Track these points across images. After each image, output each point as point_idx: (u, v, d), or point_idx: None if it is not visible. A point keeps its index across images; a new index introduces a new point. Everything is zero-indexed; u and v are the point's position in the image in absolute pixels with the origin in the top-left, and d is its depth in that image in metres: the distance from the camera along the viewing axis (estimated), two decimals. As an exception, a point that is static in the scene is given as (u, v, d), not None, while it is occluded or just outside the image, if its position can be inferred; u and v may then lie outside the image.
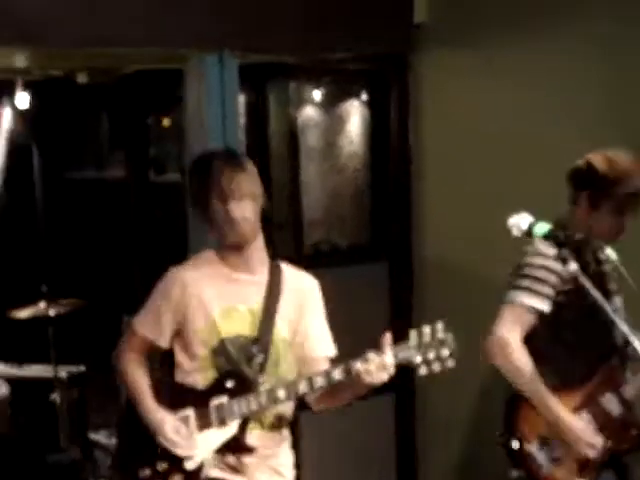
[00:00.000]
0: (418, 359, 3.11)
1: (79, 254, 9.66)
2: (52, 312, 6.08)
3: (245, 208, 3.36)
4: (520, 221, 2.46)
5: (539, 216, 2.53)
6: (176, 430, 3.42)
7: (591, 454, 3.60)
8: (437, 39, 5.69)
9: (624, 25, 4.73)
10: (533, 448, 3.65)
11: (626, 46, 4.74)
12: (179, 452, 3.40)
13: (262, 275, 3.50)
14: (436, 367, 3.12)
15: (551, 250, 3.20)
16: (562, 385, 3.66)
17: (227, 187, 3.32)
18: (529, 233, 2.45)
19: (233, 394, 3.38)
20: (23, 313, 6.11)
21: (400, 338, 3.20)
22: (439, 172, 5.85)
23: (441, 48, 5.68)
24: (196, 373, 3.47)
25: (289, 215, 6.76)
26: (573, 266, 2.39)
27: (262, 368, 3.43)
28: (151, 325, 3.50)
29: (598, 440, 3.61)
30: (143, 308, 3.55)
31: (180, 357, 3.52)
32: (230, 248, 3.45)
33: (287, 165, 6.91)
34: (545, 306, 3.54)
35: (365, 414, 5.79)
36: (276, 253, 6.66)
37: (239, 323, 3.44)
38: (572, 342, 3.63)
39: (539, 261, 3.42)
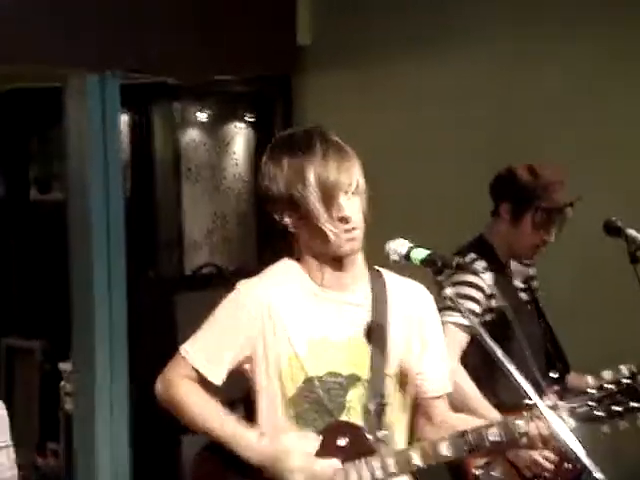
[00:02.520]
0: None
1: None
2: None
3: (356, 205, 2.51)
4: (398, 246, 2.45)
5: (422, 237, 2.53)
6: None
7: None
8: (320, 61, 5.72)
9: (512, 42, 4.85)
10: (478, 472, 3.41)
11: (511, 64, 4.88)
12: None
13: (363, 292, 2.59)
14: None
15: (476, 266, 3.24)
16: (500, 405, 3.36)
17: (335, 177, 2.48)
18: (407, 258, 2.44)
19: (348, 456, 2.48)
20: None
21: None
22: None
23: (324, 69, 5.71)
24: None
25: (173, 237, 6.70)
26: (448, 291, 2.39)
27: (379, 420, 2.54)
28: (205, 356, 2.56)
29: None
30: (197, 332, 2.60)
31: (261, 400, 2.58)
32: (325, 260, 2.54)
33: (171, 186, 6.86)
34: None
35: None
36: (159, 275, 6.71)
37: (334, 357, 2.54)
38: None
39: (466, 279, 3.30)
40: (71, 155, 5.16)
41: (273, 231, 6.79)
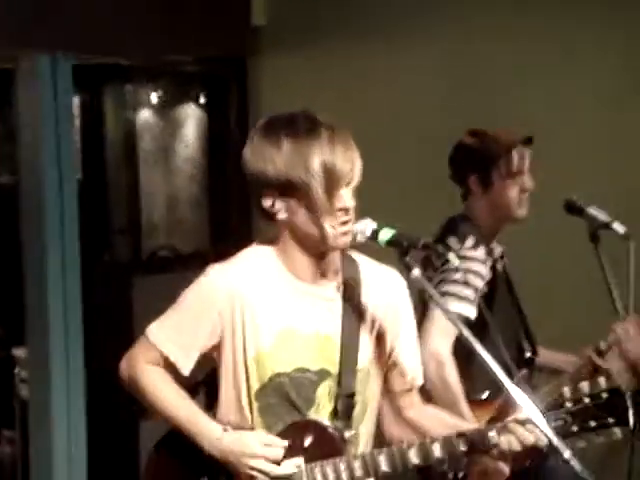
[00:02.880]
0: None
1: None
2: None
3: (352, 197, 2.40)
4: (365, 227, 2.42)
5: (382, 219, 2.50)
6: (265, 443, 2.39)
7: None
8: (275, 42, 5.67)
9: (465, 24, 4.84)
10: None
11: (465, 44, 4.86)
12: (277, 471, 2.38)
13: (336, 285, 2.49)
14: None
15: (479, 253, 3.21)
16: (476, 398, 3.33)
17: (341, 166, 2.37)
18: (373, 238, 2.41)
19: (312, 457, 2.39)
20: None
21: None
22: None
23: (280, 51, 5.66)
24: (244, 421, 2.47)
25: (128, 220, 6.64)
26: (416, 272, 2.35)
27: (348, 417, 2.44)
28: (174, 342, 2.46)
29: None
30: (164, 316, 2.50)
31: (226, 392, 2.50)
32: (308, 250, 2.43)
33: (124, 169, 6.79)
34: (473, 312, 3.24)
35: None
36: (115, 259, 6.63)
37: (303, 352, 2.44)
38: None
39: (465, 265, 3.24)
40: (23, 138, 5.07)
41: (226, 214, 6.74)
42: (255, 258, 2.48)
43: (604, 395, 2.28)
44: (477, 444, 2.31)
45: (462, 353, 3.12)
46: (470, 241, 3.34)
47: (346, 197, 2.37)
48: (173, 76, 6.62)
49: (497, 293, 3.41)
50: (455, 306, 3.17)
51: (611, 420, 2.26)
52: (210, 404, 2.54)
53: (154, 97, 6.88)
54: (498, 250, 3.51)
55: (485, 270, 3.30)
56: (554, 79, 4.57)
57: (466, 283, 3.22)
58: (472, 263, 3.29)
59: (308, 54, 5.49)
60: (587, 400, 2.29)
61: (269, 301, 2.42)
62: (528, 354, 3.48)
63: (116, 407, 5.29)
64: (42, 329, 4.94)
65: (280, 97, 5.69)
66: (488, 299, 3.30)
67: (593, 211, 3.27)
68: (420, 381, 2.62)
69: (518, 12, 4.66)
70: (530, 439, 2.26)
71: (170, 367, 2.47)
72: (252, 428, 2.43)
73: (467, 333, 2.27)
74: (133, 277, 5.60)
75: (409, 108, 5.08)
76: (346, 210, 2.37)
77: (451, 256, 2.42)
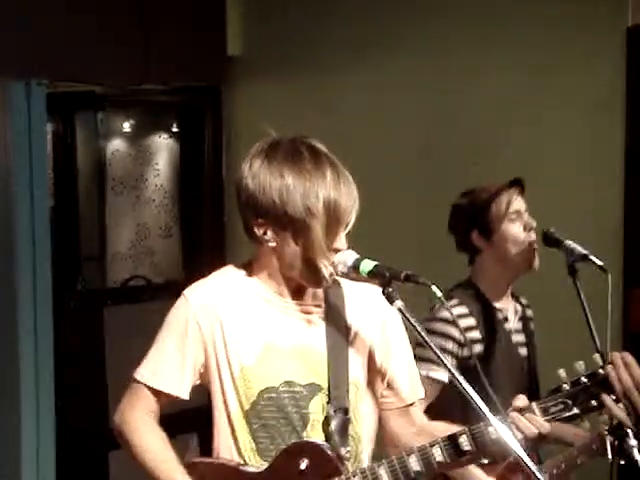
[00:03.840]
0: None
1: None
2: None
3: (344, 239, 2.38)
4: (347, 257, 2.41)
5: (360, 249, 2.49)
6: None
7: None
8: (250, 71, 5.69)
9: (443, 54, 4.87)
10: None
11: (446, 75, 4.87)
12: None
13: (317, 298, 2.45)
14: None
15: (447, 313, 3.08)
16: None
17: (344, 207, 2.32)
18: (355, 269, 2.40)
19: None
20: None
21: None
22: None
23: (254, 80, 5.68)
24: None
25: (97, 248, 6.60)
26: (399, 303, 2.33)
27: (344, 433, 2.38)
28: (160, 375, 2.40)
29: None
30: (150, 353, 2.44)
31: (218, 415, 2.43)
32: (288, 280, 2.40)
33: (95, 197, 6.75)
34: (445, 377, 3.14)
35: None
36: (84, 287, 6.58)
37: (288, 365, 2.39)
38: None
39: (438, 327, 3.16)
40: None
41: (199, 244, 6.69)
42: (230, 275, 2.45)
43: (601, 371, 2.28)
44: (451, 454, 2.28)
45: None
46: (453, 301, 3.27)
47: (343, 238, 2.35)
48: (146, 104, 6.60)
49: (510, 359, 3.32)
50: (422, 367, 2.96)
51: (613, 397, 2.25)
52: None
53: (127, 125, 6.86)
54: (525, 311, 3.45)
55: (456, 332, 3.16)
56: (539, 120, 4.60)
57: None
58: (436, 324, 3.19)
59: (282, 83, 5.51)
60: (585, 380, 2.28)
61: (247, 316, 2.39)
62: None
63: (86, 436, 5.24)
64: (12, 358, 4.89)
65: (254, 125, 5.67)
66: (487, 357, 3.24)
67: (571, 243, 3.26)
68: (417, 397, 2.56)
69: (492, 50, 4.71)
70: None
71: (168, 399, 2.42)
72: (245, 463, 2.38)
73: (456, 373, 2.22)
74: (104, 307, 5.55)
75: (383, 139, 5.09)
76: (340, 251, 2.34)
77: (434, 288, 2.39)
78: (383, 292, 2.30)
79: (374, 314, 2.49)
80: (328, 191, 2.29)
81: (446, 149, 4.84)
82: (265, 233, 2.34)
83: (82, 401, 5.24)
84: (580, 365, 2.30)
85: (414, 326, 2.29)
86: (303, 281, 2.38)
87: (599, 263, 3.15)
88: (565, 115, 4.51)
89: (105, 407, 4.73)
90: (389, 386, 2.50)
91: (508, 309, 3.40)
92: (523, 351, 3.41)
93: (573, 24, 4.45)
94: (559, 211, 4.23)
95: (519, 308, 3.46)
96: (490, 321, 3.32)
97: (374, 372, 2.47)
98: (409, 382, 2.53)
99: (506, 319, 3.37)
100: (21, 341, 4.87)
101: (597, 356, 2.33)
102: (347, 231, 2.37)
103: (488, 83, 4.73)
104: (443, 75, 4.87)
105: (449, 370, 2.22)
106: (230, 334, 2.38)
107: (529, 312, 3.50)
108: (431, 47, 4.91)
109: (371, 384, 2.48)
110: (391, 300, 2.29)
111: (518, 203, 3.37)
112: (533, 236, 3.33)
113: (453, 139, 4.83)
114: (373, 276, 2.34)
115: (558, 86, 4.52)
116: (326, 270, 2.32)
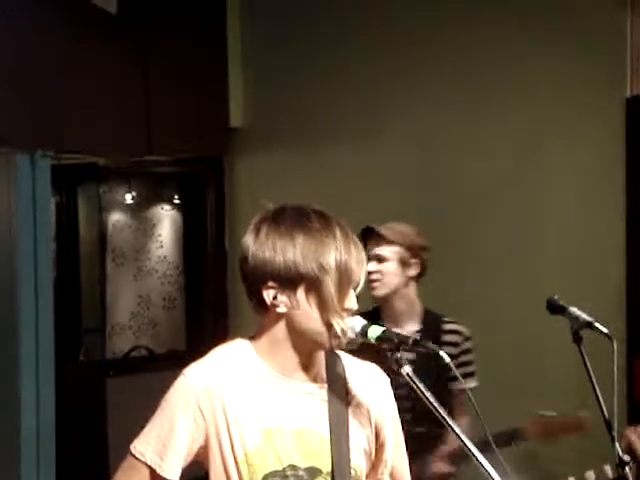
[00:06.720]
0: None
1: None
2: None
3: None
4: (355, 323, 2.41)
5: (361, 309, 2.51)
6: None
7: None
8: (252, 143, 5.74)
9: (441, 126, 4.93)
10: None
11: (439, 148, 4.94)
12: None
13: (319, 380, 2.41)
14: None
15: None
16: None
17: (355, 266, 2.33)
18: (363, 335, 2.40)
19: None
20: None
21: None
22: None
23: (256, 151, 5.73)
24: None
25: (99, 319, 6.61)
26: (407, 369, 2.33)
27: None
28: (157, 451, 2.33)
29: None
30: (146, 427, 2.37)
31: None
32: (296, 347, 2.36)
33: (97, 269, 6.78)
34: None
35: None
36: (88, 358, 6.56)
37: (291, 449, 2.34)
38: None
39: None
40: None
41: (202, 314, 6.65)
42: (231, 354, 2.38)
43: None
44: None
45: None
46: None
47: (353, 297, 2.33)
48: (148, 176, 6.66)
49: None
50: None
51: None
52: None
53: (129, 197, 6.91)
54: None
55: None
56: (540, 187, 4.64)
57: None
58: None
59: (284, 154, 5.57)
60: None
61: (250, 398, 2.32)
62: None
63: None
64: (14, 430, 4.86)
65: (256, 197, 5.70)
66: None
67: (576, 310, 3.26)
68: None
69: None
70: None
71: (159, 478, 2.34)
72: None
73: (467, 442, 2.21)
74: (107, 377, 5.54)
75: (383, 207, 5.11)
76: (351, 311, 2.31)
77: (442, 353, 2.39)
78: (391, 357, 2.29)
79: (374, 395, 2.46)
80: (339, 250, 2.29)
81: (445, 212, 4.87)
82: (275, 297, 2.30)
83: (83, 472, 5.20)
84: (590, 475, 2.29)
85: (423, 393, 2.29)
86: (315, 344, 2.34)
87: (604, 331, 3.14)
88: (566, 182, 4.55)
89: (107, 478, 4.70)
90: (390, 469, 2.48)
91: None
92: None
93: (574, 89, 4.53)
94: (560, 278, 4.25)
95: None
96: None
97: (374, 454, 2.44)
98: (402, 468, 2.53)
99: None
100: (23, 413, 4.84)
101: (607, 468, 2.35)
102: (357, 291, 2.36)
103: (487, 148, 4.78)
104: (442, 139, 4.94)
105: (459, 437, 2.22)
106: (233, 417, 2.31)
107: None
108: (429, 108, 4.98)
109: (374, 467, 2.45)
110: (399, 365, 2.28)
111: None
112: None
113: (451, 203, 4.87)
114: (382, 341, 2.34)
115: (559, 151, 4.58)
116: (338, 327, 2.29)
